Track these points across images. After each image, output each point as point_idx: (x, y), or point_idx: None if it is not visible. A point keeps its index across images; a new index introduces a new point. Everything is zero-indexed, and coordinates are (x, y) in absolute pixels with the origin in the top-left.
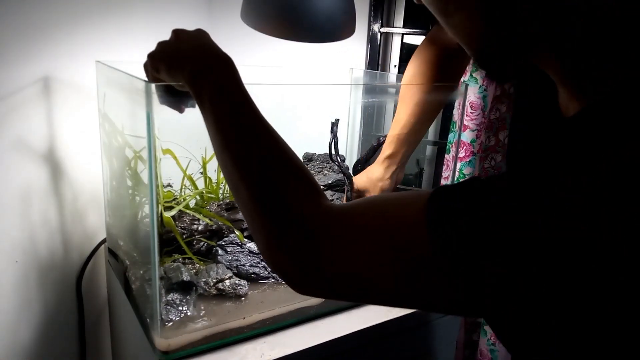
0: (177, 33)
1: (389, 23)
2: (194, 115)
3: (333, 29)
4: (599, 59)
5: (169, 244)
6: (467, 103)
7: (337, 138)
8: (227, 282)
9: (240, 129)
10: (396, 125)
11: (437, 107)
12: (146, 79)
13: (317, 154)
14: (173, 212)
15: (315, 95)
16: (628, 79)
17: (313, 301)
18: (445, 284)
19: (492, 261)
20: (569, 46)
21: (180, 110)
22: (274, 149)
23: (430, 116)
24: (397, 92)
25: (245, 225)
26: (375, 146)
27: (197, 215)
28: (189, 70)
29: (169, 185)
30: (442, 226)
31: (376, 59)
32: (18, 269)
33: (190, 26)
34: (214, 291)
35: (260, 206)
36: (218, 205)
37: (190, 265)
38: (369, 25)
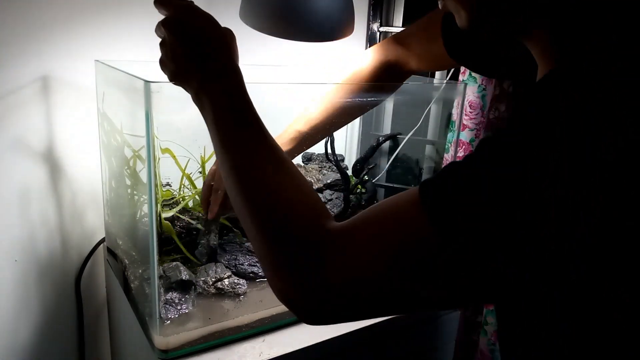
0: (174, 30)
1: (388, 22)
2: (192, 115)
3: (332, 28)
4: (589, 32)
5: (167, 243)
6: (466, 102)
7: (333, 137)
8: (226, 281)
9: (246, 154)
10: (304, 121)
11: (357, 113)
12: (145, 78)
13: (317, 153)
14: (170, 214)
15: (313, 95)
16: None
17: None
18: (458, 269)
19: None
20: (564, 18)
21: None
22: (279, 175)
23: (347, 120)
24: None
25: None
26: (375, 146)
27: (196, 215)
28: (195, 87)
29: (168, 184)
30: (446, 216)
31: None
32: (17, 268)
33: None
34: (212, 290)
35: (265, 236)
36: None
37: (189, 264)
38: (368, 24)
